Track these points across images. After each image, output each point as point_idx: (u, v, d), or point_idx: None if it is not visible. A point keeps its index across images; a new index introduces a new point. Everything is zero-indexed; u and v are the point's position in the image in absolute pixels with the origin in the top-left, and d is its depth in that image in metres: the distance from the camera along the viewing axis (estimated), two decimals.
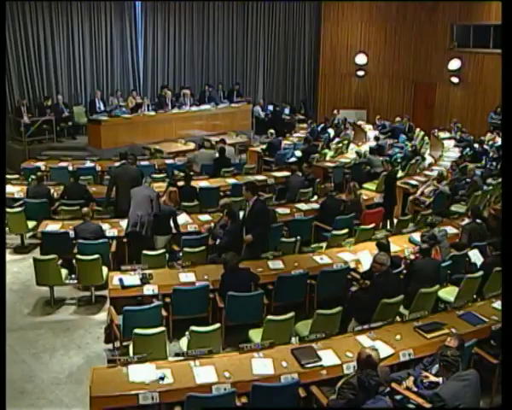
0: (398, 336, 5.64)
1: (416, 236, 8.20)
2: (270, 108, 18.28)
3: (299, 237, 8.20)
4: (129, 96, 15.49)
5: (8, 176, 10.85)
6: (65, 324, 7.08)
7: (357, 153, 13.35)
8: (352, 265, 7.36)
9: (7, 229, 9.01)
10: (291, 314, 5.88)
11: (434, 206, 10.02)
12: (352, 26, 19.26)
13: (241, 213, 8.38)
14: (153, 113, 14.58)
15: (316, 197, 10.36)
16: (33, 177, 10.34)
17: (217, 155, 11.84)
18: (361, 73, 19.36)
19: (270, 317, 5.87)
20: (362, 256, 7.38)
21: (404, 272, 7.02)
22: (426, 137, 16.03)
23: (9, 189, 10.03)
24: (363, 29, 19.20)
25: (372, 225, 8.68)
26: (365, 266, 7.06)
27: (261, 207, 7.71)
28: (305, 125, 17.06)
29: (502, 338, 5.15)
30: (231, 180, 10.91)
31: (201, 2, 17.49)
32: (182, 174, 10.66)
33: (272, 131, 13.87)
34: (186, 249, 7.52)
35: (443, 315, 6.14)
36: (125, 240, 7.96)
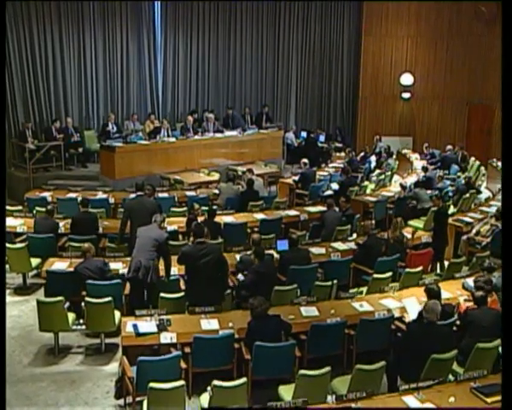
0: (451, 399, 5.55)
1: (471, 281, 8.11)
2: (304, 134, 18.41)
3: (335, 281, 8.19)
4: (146, 121, 15.76)
5: (9, 207, 11.10)
6: (70, 376, 7.10)
7: (402, 186, 13.33)
8: (397, 313, 7.32)
9: (7, 267, 9.14)
10: (327, 369, 5.86)
11: (492, 247, 9.91)
12: (396, 41, 19.45)
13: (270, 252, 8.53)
14: (173, 139, 14.80)
15: (355, 236, 10.37)
16: (39, 209, 10.58)
17: (235, 187, 12.01)
18: (407, 95, 19.45)
19: (302, 371, 5.85)
20: (408, 304, 7.34)
21: (458, 323, 6.95)
22: (482, 168, 15.92)
23: (11, 222, 10.20)
24: (410, 45, 19.38)
25: (419, 268, 8.63)
26: (412, 314, 7.01)
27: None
28: (342, 155, 17.13)
29: (502, 337, 5.23)
30: (260, 215, 11.01)
31: (227, 16, 17.91)
32: (204, 208, 10.78)
33: (305, 160, 13.94)
34: None
35: None
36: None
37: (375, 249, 9.07)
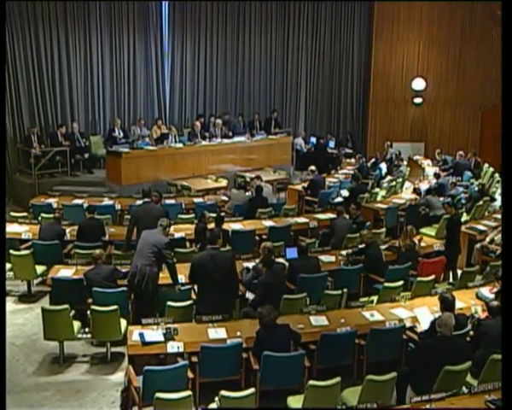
0: None
1: (485, 290, 8.08)
2: (313, 140, 18.45)
3: (345, 290, 8.19)
4: (153, 126, 15.80)
5: (14, 213, 11.21)
6: (75, 385, 7.10)
7: (417, 191, 13.27)
8: (408, 323, 7.29)
9: (11, 274, 9.17)
10: (337, 380, 5.83)
11: None
12: (408, 46, 19.48)
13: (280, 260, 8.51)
14: (180, 145, 14.87)
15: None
16: (44, 215, 10.63)
17: (247, 193, 12.01)
18: (418, 100, 19.46)
19: (312, 382, 5.83)
20: (420, 313, 7.32)
21: (471, 333, 6.92)
22: (496, 175, 15.86)
23: (16, 228, 10.27)
24: (422, 49, 19.39)
25: (431, 277, 8.60)
26: (424, 324, 6.99)
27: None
28: (352, 161, 17.15)
29: (502, 338, 5.28)
30: (268, 223, 11.01)
31: (236, 19, 18.00)
32: (212, 215, 10.79)
33: (313, 167, 13.89)
34: None
35: None
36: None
37: (376, 259, 9.05)
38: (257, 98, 18.93)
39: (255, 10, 18.31)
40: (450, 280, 9.59)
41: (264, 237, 10.38)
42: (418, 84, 19.34)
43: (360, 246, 9.40)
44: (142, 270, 7.55)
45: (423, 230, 10.99)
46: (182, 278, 8.02)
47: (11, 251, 9.04)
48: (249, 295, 7.91)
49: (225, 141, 15.61)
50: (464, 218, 11.61)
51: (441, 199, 12.21)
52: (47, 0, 14.66)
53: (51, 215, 10.56)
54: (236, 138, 15.90)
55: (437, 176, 14.24)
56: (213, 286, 7.14)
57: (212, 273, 7.13)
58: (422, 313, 7.31)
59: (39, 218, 10.70)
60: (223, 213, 11.10)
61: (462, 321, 6.97)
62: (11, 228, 10.24)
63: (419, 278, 8.53)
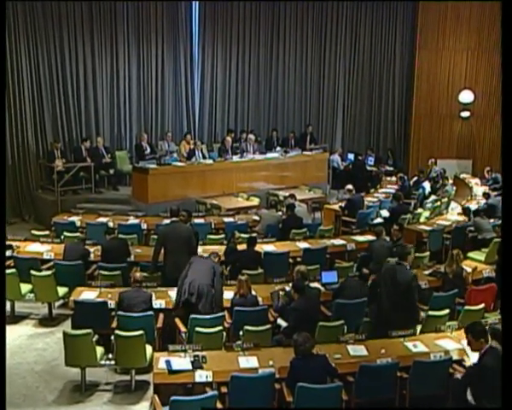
0: None
1: None
2: (351, 157, 18.43)
3: None
4: (182, 141, 16.00)
5: (36, 232, 11.39)
6: None
7: (465, 211, 13.08)
8: (455, 356, 7.19)
9: (32, 296, 9.31)
10: None
11: None
12: (455, 55, 19.36)
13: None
14: (210, 161, 14.97)
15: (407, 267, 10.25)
16: (67, 234, 10.77)
17: (279, 213, 12.06)
18: (466, 113, 19.31)
19: None
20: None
21: None
22: None
23: (37, 247, 10.42)
24: (470, 59, 19.23)
25: (481, 306, 8.47)
26: (473, 358, 6.89)
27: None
28: (393, 179, 17.03)
29: (502, 339, 5.40)
30: (303, 244, 10.98)
31: (269, 29, 18.12)
32: (243, 235, 10.83)
33: (350, 187, 13.80)
34: (247, 328, 7.55)
35: None
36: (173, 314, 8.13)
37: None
38: (291, 112, 18.98)
39: (290, 20, 18.39)
40: None
41: (298, 259, 10.34)
42: (466, 96, 19.18)
43: None
44: (201, 289, 7.80)
45: (471, 254, 10.85)
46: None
47: (32, 271, 9.14)
48: (281, 322, 7.91)
49: (257, 157, 15.68)
50: None
51: (491, 221, 12.06)
52: (70, 2, 14.89)
53: (74, 234, 10.74)
54: (269, 155, 15.96)
55: (486, 196, 14.07)
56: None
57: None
58: None
59: (62, 237, 10.84)
60: (254, 234, 11.11)
61: None
62: (32, 247, 10.42)
63: (467, 307, 8.40)
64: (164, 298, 8.46)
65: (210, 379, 6.59)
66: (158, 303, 8.33)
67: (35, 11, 14.37)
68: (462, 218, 12.98)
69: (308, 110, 19.31)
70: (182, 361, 6.77)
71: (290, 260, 10.31)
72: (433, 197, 14.97)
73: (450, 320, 8.16)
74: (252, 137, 16.09)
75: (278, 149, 16.49)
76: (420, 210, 13.89)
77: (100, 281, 9.02)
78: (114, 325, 7.76)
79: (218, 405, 6.18)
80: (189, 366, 6.68)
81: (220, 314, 7.89)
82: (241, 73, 17.91)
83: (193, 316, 7.67)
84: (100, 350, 7.58)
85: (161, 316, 8.13)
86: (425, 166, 17.66)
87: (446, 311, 8.25)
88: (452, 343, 7.44)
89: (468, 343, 6.27)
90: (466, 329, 6.38)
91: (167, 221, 10.52)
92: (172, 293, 8.39)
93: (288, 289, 8.40)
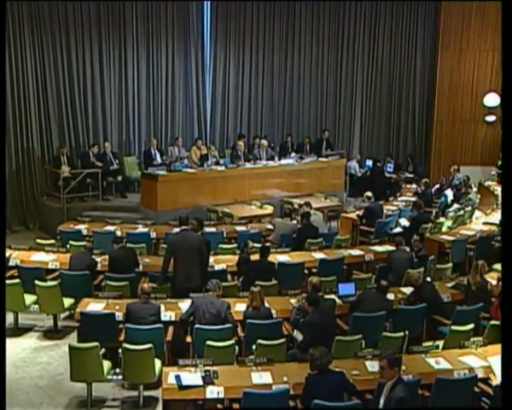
0: None
1: None
2: (369, 163, 18.40)
3: (406, 332, 8.08)
4: (192, 147, 16.02)
5: (41, 240, 11.41)
6: None
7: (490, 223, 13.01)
8: (481, 374, 7.12)
9: (36, 307, 9.31)
10: None
11: None
12: (479, 56, 19.27)
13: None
14: (222, 167, 14.97)
15: (428, 279, 10.18)
16: (73, 243, 10.79)
17: (293, 222, 12.00)
18: (491, 118, 19.20)
19: None
20: (495, 363, 7.13)
21: None
22: None
23: (42, 257, 10.44)
24: (496, 60, 19.03)
25: None
26: (500, 376, 6.81)
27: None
28: (414, 186, 16.96)
29: (502, 339, 5.54)
30: (319, 255, 10.95)
31: (284, 31, 18.14)
32: (256, 245, 10.80)
33: (369, 194, 13.76)
34: (260, 342, 7.51)
35: None
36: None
37: (434, 300, 8.89)
38: (306, 116, 18.99)
39: (306, 21, 18.44)
40: None
41: (313, 270, 10.33)
42: (491, 99, 19.02)
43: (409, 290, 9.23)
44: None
45: (497, 266, 10.76)
46: None
47: (36, 282, 9.15)
48: (297, 335, 7.87)
49: (271, 163, 15.67)
50: None
51: None
52: (77, 2, 14.99)
53: (81, 243, 10.75)
54: (284, 161, 15.95)
55: None
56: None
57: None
58: (498, 362, 7.10)
59: (68, 246, 10.85)
60: (268, 244, 11.09)
61: None
62: (37, 257, 10.44)
63: (493, 322, 8.31)
64: (173, 310, 8.43)
65: (222, 395, 6.56)
66: (167, 315, 8.32)
67: (41, 12, 14.47)
68: (488, 228, 12.87)
69: (324, 114, 19.30)
70: (192, 376, 6.74)
71: (305, 271, 10.27)
72: (455, 206, 14.90)
73: (475, 336, 8.08)
74: (264, 142, 16.09)
75: (293, 155, 16.52)
76: (442, 219, 13.82)
77: (107, 292, 9.01)
78: (122, 337, 7.76)
79: None
80: (200, 382, 6.65)
81: (229, 326, 7.90)
82: (254, 76, 17.96)
83: (197, 326, 7.68)
84: (107, 364, 7.57)
85: (171, 329, 8.11)
86: (447, 173, 17.58)
87: (470, 326, 8.17)
88: (477, 360, 7.36)
89: (381, 369, 6.23)
90: (382, 354, 6.46)
91: (177, 230, 10.49)
92: (182, 305, 8.36)
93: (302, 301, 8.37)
